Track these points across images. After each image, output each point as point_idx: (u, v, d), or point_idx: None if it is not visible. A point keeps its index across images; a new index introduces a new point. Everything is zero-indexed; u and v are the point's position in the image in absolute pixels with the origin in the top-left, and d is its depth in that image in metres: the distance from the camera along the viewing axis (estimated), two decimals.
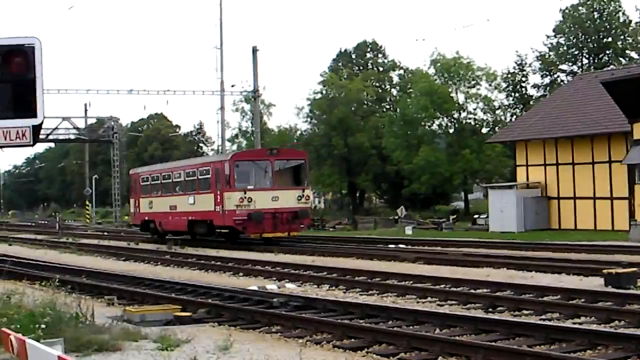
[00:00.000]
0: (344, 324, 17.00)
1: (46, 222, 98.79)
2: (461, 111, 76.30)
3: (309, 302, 20.41)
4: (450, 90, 75.30)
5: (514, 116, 77.92)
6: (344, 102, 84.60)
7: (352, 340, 15.83)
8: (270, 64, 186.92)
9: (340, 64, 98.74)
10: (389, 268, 30.13)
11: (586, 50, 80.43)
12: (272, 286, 25.70)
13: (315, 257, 36.27)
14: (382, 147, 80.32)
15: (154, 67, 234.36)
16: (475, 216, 63.26)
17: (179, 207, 49.66)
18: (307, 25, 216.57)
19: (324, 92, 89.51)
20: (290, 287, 25.71)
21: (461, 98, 76.18)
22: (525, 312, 18.95)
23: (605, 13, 78.94)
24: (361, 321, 17.84)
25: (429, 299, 21.79)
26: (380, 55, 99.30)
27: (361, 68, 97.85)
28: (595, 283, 23.33)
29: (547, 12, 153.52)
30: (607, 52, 79.03)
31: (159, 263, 36.84)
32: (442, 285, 24.05)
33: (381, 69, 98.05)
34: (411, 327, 16.96)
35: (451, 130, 76.69)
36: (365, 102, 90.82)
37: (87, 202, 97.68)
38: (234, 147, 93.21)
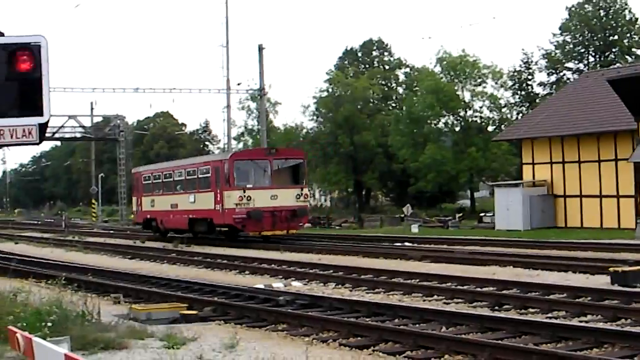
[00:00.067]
0: (350, 322, 16.99)
1: (52, 220, 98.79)
2: (467, 109, 76.30)
3: (315, 301, 20.41)
4: (456, 88, 75.28)
5: (520, 114, 77.84)
6: (350, 100, 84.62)
7: (359, 338, 15.82)
8: (276, 62, 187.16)
9: (346, 62, 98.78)
10: (395, 266, 30.13)
11: (592, 48, 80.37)
12: (278, 284, 25.72)
13: (321, 256, 36.27)
14: (388, 145, 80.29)
15: (160, 65, 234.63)
16: (482, 214, 63.22)
17: (180, 205, 50.17)
18: (313, 24, 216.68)
19: (330, 90, 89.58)
20: (297, 286, 25.71)
21: (467, 96, 76.23)
22: (531, 310, 18.93)
23: (612, 11, 78.88)
24: (367, 319, 17.83)
25: (435, 297, 21.78)
26: (386, 54, 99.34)
27: (367, 66, 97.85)
28: (601, 281, 23.32)
29: (554, 10, 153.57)
30: (614, 50, 78.94)
31: (165, 261, 36.87)
32: (448, 284, 24.04)
33: (387, 67, 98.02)
34: (417, 326, 16.95)
35: (457, 129, 76.69)
36: (371, 100, 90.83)
37: (93, 201, 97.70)
38: (240, 146, 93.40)
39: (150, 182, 55.76)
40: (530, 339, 14.94)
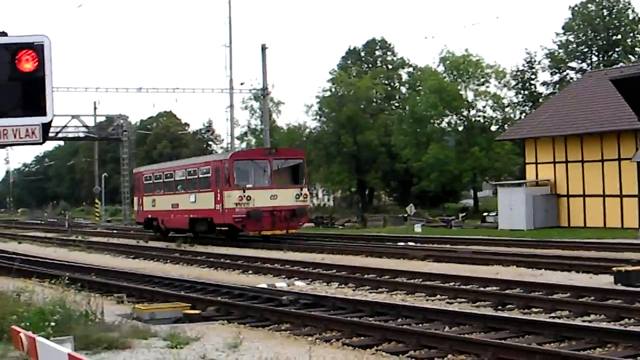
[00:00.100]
0: (354, 321, 17.00)
1: (55, 220, 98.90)
2: (470, 109, 76.19)
3: (318, 300, 20.42)
4: (459, 87, 75.18)
5: (523, 114, 77.71)
6: (353, 100, 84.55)
7: (362, 338, 15.83)
8: (279, 62, 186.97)
9: (349, 61, 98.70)
10: (398, 266, 30.14)
11: (595, 48, 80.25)
12: (281, 284, 25.74)
13: (324, 255, 36.28)
14: (392, 144, 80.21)
15: (163, 65, 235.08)
16: (485, 214, 63.15)
17: (181, 205, 50.55)
18: (316, 23, 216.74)
19: (333, 90, 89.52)
20: (300, 285, 25.73)
21: (470, 96, 76.12)
22: (534, 309, 18.93)
23: (615, 10, 78.77)
24: (370, 319, 17.84)
25: (438, 296, 21.79)
26: (389, 53, 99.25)
27: (370, 66, 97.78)
28: (604, 281, 23.32)
29: (557, 9, 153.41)
30: (617, 49, 78.79)
31: (168, 261, 36.91)
32: (452, 283, 24.04)
33: (390, 66, 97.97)
34: (420, 325, 16.96)
35: (460, 128, 76.61)
36: (375, 100, 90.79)
37: (96, 200, 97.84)
38: (244, 145, 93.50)
39: (151, 182, 56.19)
40: (533, 339, 14.95)
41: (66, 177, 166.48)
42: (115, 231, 67.50)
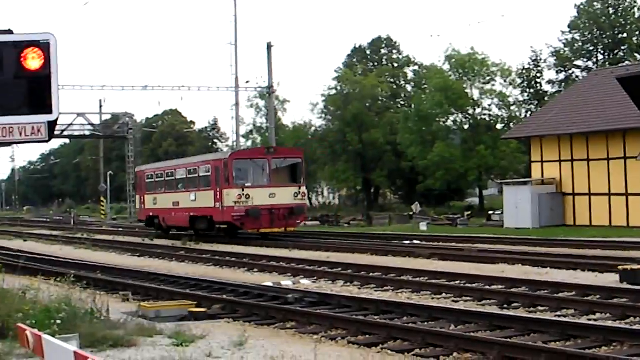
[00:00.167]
0: (359, 320, 17.01)
1: (61, 218, 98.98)
2: (476, 107, 76.09)
3: (323, 298, 20.44)
4: (465, 86, 75.09)
5: (529, 112, 77.61)
6: (358, 98, 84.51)
7: (367, 336, 15.84)
8: (285, 60, 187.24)
9: (355, 60, 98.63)
10: (403, 264, 30.13)
11: (601, 46, 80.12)
12: (287, 282, 25.75)
13: (330, 254, 36.28)
14: (397, 143, 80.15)
15: (168, 63, 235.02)
16: (490, 212, 63.04)
17: (181, 203, 51.22)
18: (322, 21, 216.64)
19: (338, 88, 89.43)
20: (305, 283, 25.75)
21: (476, 94, 76.01)
22: (540, 308, 18.93)
23: (621, 9, 78.60)
24: (376, 317, 17.85)
25: (443, 295, 21.79)
26: (395, 51, 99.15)
27: (376, 64, 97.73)
28: (610, 279, 23.30)
29: (563, 8, 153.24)
30: (623, 48, 78.66)
31: (173, 259, 36.97)
32: (457, 282, 24.05)
33: (396, 65, 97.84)
34: (426, 324, 16.97)
35: (466, 126, 76.53)
36: (380, 98, 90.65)
37: (102, 198, 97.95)
38: (249, 143, 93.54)
39: (153, 180, 56.93)
40: (539, 337, 14.95)
41: (72, 175, 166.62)
42: (120, 229, 67.60)
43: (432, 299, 21.36)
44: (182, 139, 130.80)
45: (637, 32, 78.80)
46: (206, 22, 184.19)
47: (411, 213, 63.71)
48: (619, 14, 78.53)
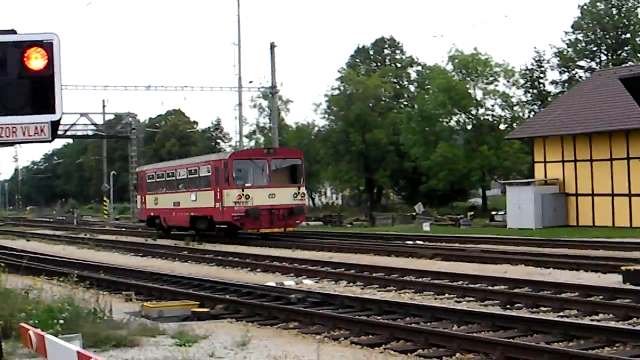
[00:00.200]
0: (362, 320, 17.01)
1: (64, 218, 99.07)
2: (479, 107, 76.03)
3: (326, 299, 20.45)
4: (468, 86, 74.99)
5: (532, 112, 77.53)
6: (361, 99, 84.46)
7: (370, 336, 15.84)
8: (288, 60, 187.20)
9: (358, 60, 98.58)
10: (406, 264, 30.14)
11: (604, 47, 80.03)
12: (289, 282, 25.76)
13: (332, 254, 36.29)
14: (400, 143, 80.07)
15: (171, 63, 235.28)
16: (493, 213, 63.05)
17: (182, 203, 51.53)
18: (325, 22, 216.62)
19: (341, 88, 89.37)
20: (308, 283, 25.75)
21: (479, 94, 75.90)
22: (543, 308, 18.93)
23: (624, 9, 78.52)
24: (379, 317, 17.85)
25: (446, 295, 21.79)
26: (398, 52, 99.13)
27: (379, 64, 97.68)
28: (613, 280, 23.29)
29: (566, 8, 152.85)
30: (626, 48, 78.59)
31: (176, 259, 37.00)
32: (460, 282, 24.04)
33: (399, 65, 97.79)
34: (429, 324, 16.97)
35: (469, 127, 76.46)
36: (383, 99, 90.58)
37: (104, 198, 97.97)
38: (252, 144, 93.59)
39: (153, 180, 57.24)
40: (541, 338, 14.95)
41: (75, 175, 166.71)
42: (123, 229, 67.66)
43: (435, 299, 21.36)
44: (185, 139, 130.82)
45: None
46: (209, 22, 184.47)
47: (414, 213, 63.72)
48: (623, 15, 78.44)
